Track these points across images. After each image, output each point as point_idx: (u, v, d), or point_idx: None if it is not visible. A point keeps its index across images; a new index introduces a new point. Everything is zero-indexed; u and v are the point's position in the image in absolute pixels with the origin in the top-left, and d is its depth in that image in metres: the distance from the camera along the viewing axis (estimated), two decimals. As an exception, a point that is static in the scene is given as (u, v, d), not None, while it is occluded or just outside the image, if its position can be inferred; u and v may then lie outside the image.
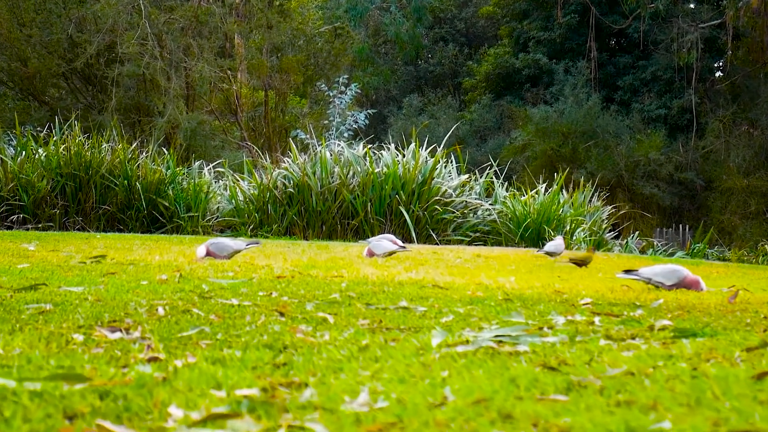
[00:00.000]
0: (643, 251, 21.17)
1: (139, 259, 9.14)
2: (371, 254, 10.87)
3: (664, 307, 6.12)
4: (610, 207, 20.77)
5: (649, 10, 43.67)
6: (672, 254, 20.88)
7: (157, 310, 5.04)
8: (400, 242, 11.72)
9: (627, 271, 7.71)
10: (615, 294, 6.92)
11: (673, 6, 44.20)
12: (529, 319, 5.16)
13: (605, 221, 20.06)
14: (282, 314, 5.04)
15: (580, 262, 10.64)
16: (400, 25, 48.34)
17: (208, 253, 9.35)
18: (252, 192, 18.76)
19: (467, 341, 4.26)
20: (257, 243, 10.31)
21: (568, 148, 41.11)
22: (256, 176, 18.88)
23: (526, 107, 44.90)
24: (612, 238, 20.45)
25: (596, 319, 5.22)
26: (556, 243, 12.37)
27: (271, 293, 6.04)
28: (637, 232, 24.73)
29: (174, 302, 5.39)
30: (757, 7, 43.79)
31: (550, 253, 12.16)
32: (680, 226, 34.01)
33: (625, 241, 20.83)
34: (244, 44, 34.09)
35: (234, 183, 19.17)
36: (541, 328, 4.79)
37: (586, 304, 6.10)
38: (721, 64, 47.11)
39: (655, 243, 23.58)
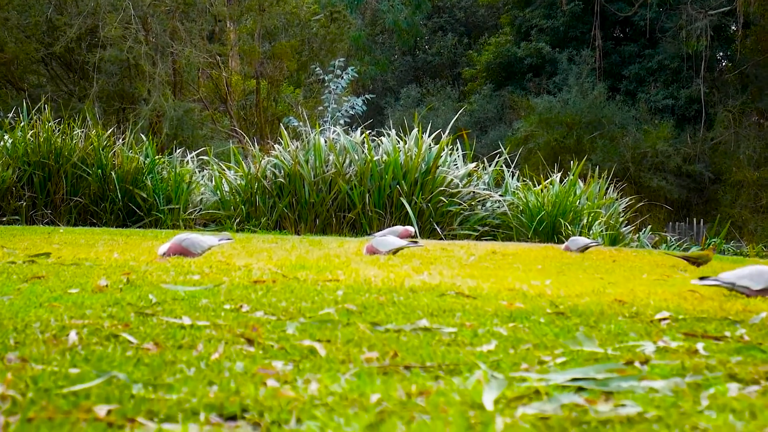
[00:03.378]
0: (655, 246, 19.72)
1: (90, 257, 7.54)
2: (372, 251, 9.30)
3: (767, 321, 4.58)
4: (627, 199, 19.21)
5: (656, -3, 42.32)
6: (687, 249, 19.44)
7: (68, 335, 3.47)
8: (413, 230, 10.46)
9: (703, 278, 6.18)
10: (691, 303, 5.36)
11: (681, -8, 42.84)
12: (605, 346, 3.62)
13: (622, 214, 18.52)
14: (250, 342, 3.48)
15: (697, 261, 9.49)
16: (399, 12, 46.82)
17: (179, 251, 7.79)
18: (239, 182, 17.18)
19: (537, 393, 2.71)
20: (229, 239, 8.79)
21: (572, 139, 39.65)
22: (244, 165, 17.27)
23: (528, 97, 43.44)
24: (629, 233, 18.90)
25: (699, 346, 3.68)
26: (580, 238, 11.64)
27: (240, 307, 4.46)
28: (649, 227, 23.16)
29: (99, 322, 3.82)
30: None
31: (581, 248, 11.05)
32: (693, 220, 32.51)
33: (637, 235, 19.35)
34: (235, 29, 32.53)
35: (219, 172, 17.56)
36: (630, 363, 3.26)
37: (665, 319, 4.56)
38: (729, 53, 45.61)
39: (668, 238, 22.11)
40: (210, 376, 2.82)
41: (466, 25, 55.85)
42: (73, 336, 3.44)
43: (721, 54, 46.14)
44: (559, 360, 3.31)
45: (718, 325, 4.44)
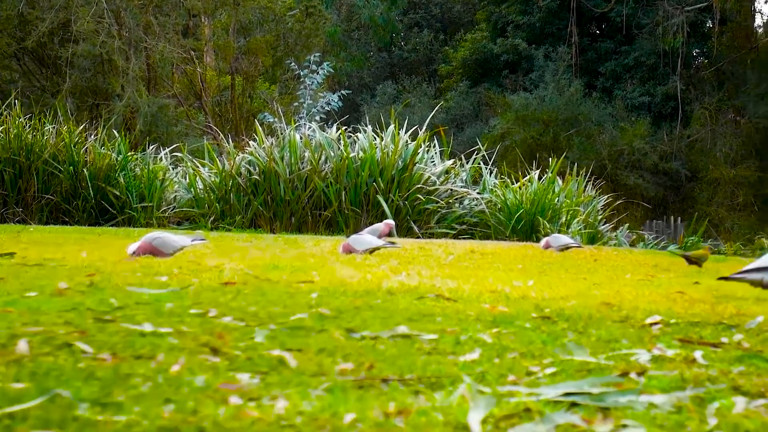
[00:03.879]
0: (633, 245, 19.53)
1: (56, 257, 7.26)
2: (348, 250, 9.04)
3: (766, 327, 4.34)
4: (605, 197, 18.99)
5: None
6: (664, 248, 19.26)
7: (17, 344, 3.19)
8: (393, 224, 10.31)
9: (725, 278, 5.99)
10: (681, 306, 5.12)
11: (658, -12, 42.72)
12: (596, 355, 3.38)
13: (600, 212, 18.31)
14: (215, 351, 3.21)
15: (696, 260, 9.36)
16: (374, 7, 46.53)
17: (149, 251, 7.52)
18: (213, 180, 16.87)
19: (528, 411, 2.47)
20: (203, 239, 8.51)
21: (549, 137, 39.45)
22: (218, 162, 16.96)
23: (504, 94, 43.18)
24: (607, 231, 18.68)
25: (697, 355, 3.44)
26: (561, 236, 11.63)
27: (207, 311, 4.19)
28: (627, 225, 22.96)
29: (53, 330, 3.55)
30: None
31: (562, 247, 10.94)
32: (671, 218, 32.36)
33: (615, 234, 19.15)
34: (210, 24, 32.18)
35: (193, 170, 17.24)
36: (626, 374, 3.03)
37: (657, 324, 4.32)
38: (705, 49, 45.51)
39: (645, 236, 21.93)
40: (167, 393, 2.56)
41: (442, 21, 55.59)
42: (22, 345, 3.17)
43: (697, 51, 46.04)
44: (549, 371, 3.07)
45: (714, 330, 4.21)
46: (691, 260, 9.38)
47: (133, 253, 7.49)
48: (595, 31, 47.96)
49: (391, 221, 11.60)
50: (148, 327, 3.66)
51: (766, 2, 47.75)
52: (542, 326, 4.12)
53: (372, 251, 9.07)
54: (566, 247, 10.99)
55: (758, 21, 48.21)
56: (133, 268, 6.32)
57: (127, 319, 3.89)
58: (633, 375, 3.01)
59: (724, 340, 3.88)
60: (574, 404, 2.58)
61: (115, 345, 3.29)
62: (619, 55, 44.35)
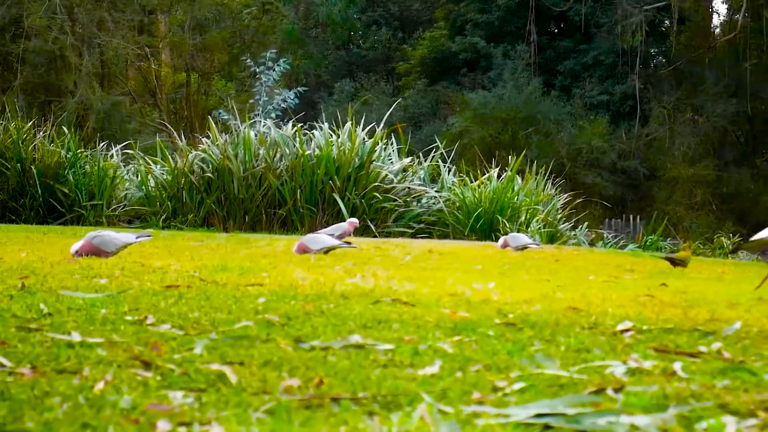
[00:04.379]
0: (592, 244, 19.34)
1: (-7, 258, 6.90)
2: (303, 250, 8.73)
3: (743, 333, 4.07)
4: (565, 195, 18.77)
5: (592, -8, 42.09)
6: (623, 246, 19.10)
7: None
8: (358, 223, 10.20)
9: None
10: (652, 311, 4.85)
11: (617, -13, 42.61)
12: (567, 366, 3.10)
13: (560, 211, 18.09)
14: (147, 365, 2.89)
15: (681, 262, 9.17)
16: (332, 5, 46.15)
17: (91, 250, 7.17)
18: (165, 177, 16.49)
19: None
20: (149, 236, 8.15)
21: (507, 135, 39.20)
22: (170, 160, 16.57)
23: (463, 92, 42.90)
24: (567, 230, 18.46)
25: (676, 367, 3.16)
26: (520, 235, 11.52)
27: (145, 318, 3.87)
28: (586, 224, 22.77)
29: (-31, 340, 3.21)
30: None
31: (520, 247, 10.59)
32: (630, 216, 32.24)
33: (574, 233, 18.94)
34: (165, 20, 31.71)
35: (145, 167, 16.84)
36: (602, 390, 2.74)
37: (629, 330, 4.04)
38: (663, 48, 45.52)
39: (604, 235, 21.74)
40: (86, 416, 2.24)
41: (401, 19, 55.29)
42: (-71, 359, 2.84)
43: (655, 50, 46.05)
44: (517, 386, 2.77)
45: (689, 337, 3.94)
46: (675, 262, 9.19)
47: (76, 252, 7.15)
48: (553, 29, 47.85)
49: (355, 220, 11.34)
50: (76, 337, 3.33)
51: (723, 2, 47.59)
52: (507, 334, 3.82)
53: (327, 251, 8.77)
54: (524, 247, 10.75)
55: (716, 21, 48.40)
56: (71, 269, 5.98)
57: (54, 327, 3.56)
58: (610, 391, 2.73)
59: (703, 349, 3.60)
60: (547, 427, 2.30)
61: (38, 357, 2.96)
62: (577, 53, 44.22)
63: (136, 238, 7.69)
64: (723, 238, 23.77)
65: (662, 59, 46.59)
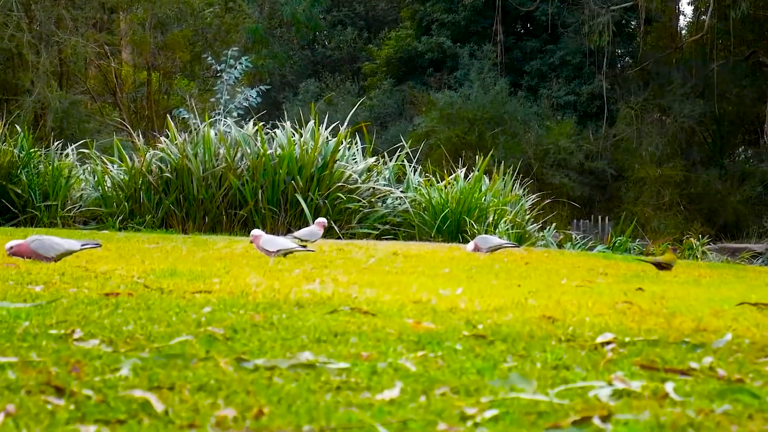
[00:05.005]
0: (560, 245, 19.04)
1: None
2: (265, 252, 8.34)
3: (735, 346, 3.70)
4: (533, 196, 18.43)
5: (559, -8, 41.84)
6: (592, 248, 18.81)
7: None
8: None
9: None
10: (632, 319, 4.48)
11: (584, -13, 42.37)
12: (545, 388, 2.72)
13: (528, 212, 17.75)
14: (60, 391, 2.48)
15: (667, 265, 8.94)
16: (297, 4, 45.65)
17: (29, 254, 6.76)
18: (122, 177, 16.01)
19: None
20: (96, 244, 7.69)
21: (474, 135, 38.85)
22: (127, 159, 16.09)
23: (429, 92, 42.55)
24: (535, 231, 18.12)
25: (668, 388, 2.78)
26: (491, 237, 11.07)
27: (72, 332, 3.45)
28: (554, 225, 22.50)
29: None
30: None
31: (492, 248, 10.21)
32: (598, 217, 32.01)
33: (542, 234, 18.62)
34: (126, 18, 31.17)
35: (101, 167, 16.35)
36: (587, 419, 2.37)
37: (610, 343, 3.66)
38: (630, 49, 45.33)
39: (572, 236, 21.43)
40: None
41: (366, 19, 54.91)
42: None
43: (622, 51, 45.86)
44: (489, 413, 2.40)
45: (677, 351, 3.57)
46: (661, 266, 8.95)
47: (11, 251, 6.73)
48: (520, 29, 47.53)
49: (323, 220, 10.92)
50: (-14, 355, 2.92)
51: (689, 3, 47.52)
52: (476, 348, 3.44)
53: (285, 254, 8.36)
54: (498, 248, 10.31)
55: (682, 22, 48.29)
56: (5, 276, 5.54)
57: (-35, 343, 3.15)
58: (596, 420, 2.35)
59: (694, 365, 3.24)
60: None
61: (-66, 382, 2.55)
62: (544, 54, 43.93)
63: (81, 245, 7.24)
64: (692, 239, 23.50)
65: (629, 60, 46.37)
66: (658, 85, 41.67)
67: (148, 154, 15.93)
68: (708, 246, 22.47)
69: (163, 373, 2.76)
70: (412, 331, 3.80)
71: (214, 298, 4.71)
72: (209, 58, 23.53)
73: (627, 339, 3.78)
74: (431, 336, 3.67)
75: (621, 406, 2.55)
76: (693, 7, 47.30)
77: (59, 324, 3.64)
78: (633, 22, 44.37)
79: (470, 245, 10.53)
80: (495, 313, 4.50)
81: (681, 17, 48.13)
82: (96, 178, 16.38)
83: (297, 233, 10.65)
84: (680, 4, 47.02)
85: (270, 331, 3.64)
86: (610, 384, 2.81)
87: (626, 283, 7.28)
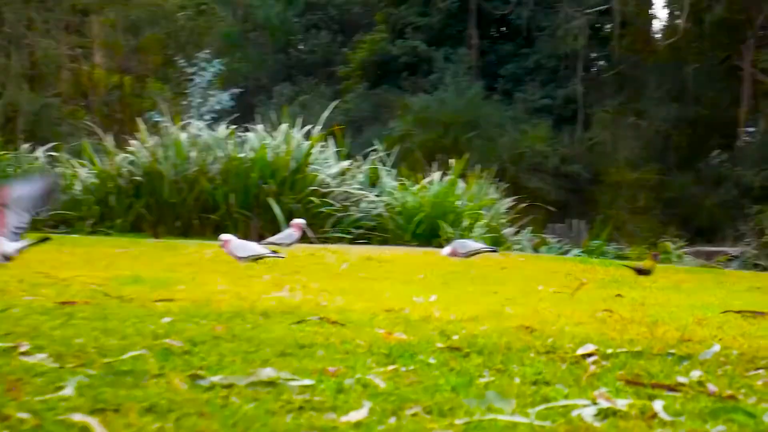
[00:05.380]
0: (536, 249, 18.85)
1: None
2: (234, 256, 8.11)
3: (723, 357, 3.50)
4: (509, 200, 18.25)
5: (533, -5, 41.70)
6: (567, 252, 18.67)
7: None
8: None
9: None
10: (614, 329, 4.28)
11: (559, -10, 42.25)
12: (525, 407, 2.51)
13: (504, 215, 17.57)
14: (-9, 416, 2.26)
15: (647, 271, 8.91)
16: (270, 7, 45.36)
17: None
18: (92, 180, 15.73)
19: None
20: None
21: (449, 139, 38.67)
22: (97, 162, 15.81)
23: (404, 96, 42.38)
24: (511, 235, 17.93)
25: (657, 406, 2.58)
26: (469, 241, 10.80)
27: (17, 346, 3.21)
28: (530, 229, 22.34)
29: None
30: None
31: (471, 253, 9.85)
32: (574, 221, 31.85)
33: (518, 237, 18.45)
34: (98, 20, 30.84)
35: (71, 169, 16.06)
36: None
37: (592, 355, 3.45)
38: (605, 52, 45.23)
39: (548, 240, 21.25)
40: None
41: (341, 22, 54.68)
42: None
43: (597, 54, 45.77)
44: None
45: (663, 363, 3.36)
46: (642, 271, 8.91)
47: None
48: (495, 33, 47.34)
49: (300, 220, 10.59)
50: None
51: (664, 7, 47.51)
52: (451, 362, 3.24)
53: (256, 259, 8.13)
54: (476, 253, 10.00)
55: (657, 25, 48.27)
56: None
57: None
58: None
59: (682, 379, 3.04)
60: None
61: None
62: (519, 57, 43.82)
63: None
64: (668, 242, 23.36)
65: (604, 63, 46.31)
66: (633, 88, 41.63)
67: (118, 157, 15.66)
68: (683, 249, 22.33)
69: (110, 392, 2.53)
70: (383, 342, 3.59)
71: (176, 306, 4.48)
72: (181, 60, 23.25)
73: (609, 350, 3.58)
74: (403, 348, 3.46)
75: (607, 428, 2.35)
76: (668, 11, 47.25)
77: (6, 336, 3.41)
78: (608, 26, 44.32)
79: (447, 249, 10.27)
80: (471, 323, 4.29)
81: (656, 21, 48.17)
82: (66, 182, 16.10)
83: (272, 238, 10.42)
84: (655, 8, 47.03)
85: (231, 344, 3.41)
86: (594, 402, 2.60)
87: (605, 290, 7.11)
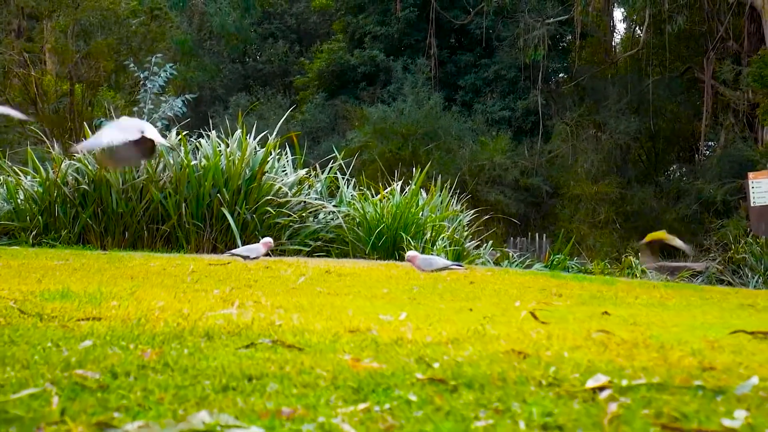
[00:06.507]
0: (497, 263, 18.30)
1: None
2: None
3: (763, 392, 2.87)
4: (471, 212, 17.64)
5: (493, 5, 41.15)
6: (530, 266, 18.12)
7: None
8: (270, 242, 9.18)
9: None
10: (619, 354, 3.62)
11: (518, 0, 41.77)
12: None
13: (466, 228, 16.97)
14: None
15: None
16: (226, 15, 44.61)
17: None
18: (36, 189, 14.95)
19: None
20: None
21: (407, 151, 38.06)
22: (42, 170, 15.02)
23: (362, 107, 41.76)
24: (473, 248, 17.31)
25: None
26: (435, 258, 9.86)
27: None
28: (491, 242, 21.80)
29: None
30: (603, 6, 42.06)
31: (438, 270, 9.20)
32: (535, 235, 31.35)
33: (479, 251, 17.86)
34: (47, 25, 30.01)
35: (14, 178, 15.27)
36: None
37: (605, 389, 2.81)
38: (565, 64, 44.89)
39: (510, 253, 20.69)
40: None
41: (298, 32, 54.03)
42: None
43: (557, 66, 45.37)
44: None
45: (695, 400, 2.73)
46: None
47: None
48: (454, 43, 46.80)
49: (269, 240, 9.97)
50: None
51: (624, 19, 47.31)
52: (436, 398, 2.58)
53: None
54: (443, 269, 9.27)
55: (617, 37, 48.04)
56: None
57: None
58: None
59: (728, 423, 2.41)
60: None
61: None
62: (478, 68, 43.31)
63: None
64: (631, 257, 22.89)
65: (564, 75, 45.98)
66: (594, 100, 41.31)
67: (63, 164, 14.90)
68: (646, 264, 21.91)
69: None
70: (350, 372, 2.92)
71: (102, 326, 3.78)
72: (132, 65, 22.45)
73: (624, 382, 2.94)
74: (375, 380, 2.80)
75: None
76: (628, 22, 47.04)
77: None
78: (568, 37, 44.04)
79: (411, 262, 9.63)
80: (451, 346, 3.63)
81: (616, 33, 47.93)
82: (7, 191, 15.31)
83: (237, 250, 9.84)
84: (615, 19, 46.78)
85: (162, 375, 2.74)
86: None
87: (587, 306, 6.50)
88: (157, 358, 3.02)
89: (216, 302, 5.19)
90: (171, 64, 22.20)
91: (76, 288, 5.56)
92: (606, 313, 5.70)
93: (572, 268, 19.65)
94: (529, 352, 3.51)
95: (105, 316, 4.16)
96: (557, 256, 19.24)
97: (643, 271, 20.42)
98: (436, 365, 3.11)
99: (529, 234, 32.45)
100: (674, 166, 44.74)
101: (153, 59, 21.53)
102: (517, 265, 18.09)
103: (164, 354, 3.12)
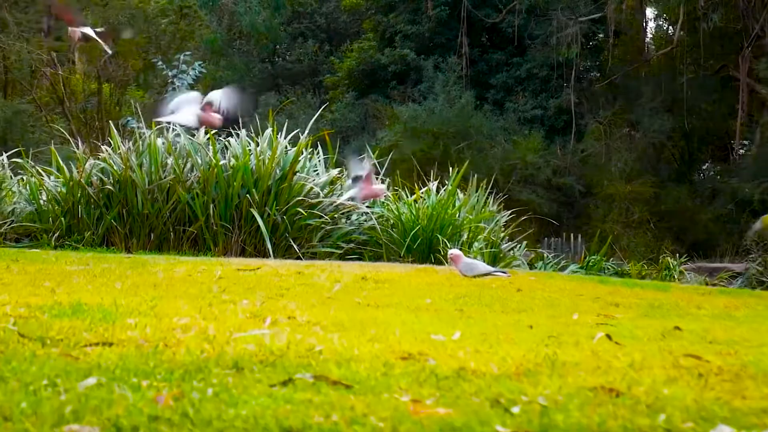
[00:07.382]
0: (531, 264, 17.78)
1: None
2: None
3: None
4: (508, 212, 17.09)
5: (525, 3, 40.63)
6: (564, 267, 17.60)
7: None
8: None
9: None
10: (722, 388, 3.04)
11: (550, -2, 41.27)
12: None
13: (503, 229, 16.43)
14: None
15: None
16: (256, 14, 44.28)
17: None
18: (59, 189, 14.48)
19: None
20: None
21: (439, 150, 37.57)
22: (66, 170, 14.55)
23: (393, 106, 41.35)
24: (509, 250, 16.75)
25: None
26: (477, 262, 9.52)
27: None
28: (524, 243, 21.25)
29: None
30: (636, 3, 41.53)
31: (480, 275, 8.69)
32: (569, 235, 30.78)
33: (515, 253, 17.32)
34: (75, 24, 29.70)
35: (36, 178, 14.81)
36: None
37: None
38: (598, 63, 44.29)
39: (544, 255, 20.14)
40: None
41: (328, 31, 53.66)
42: None
43: (589, 64, 44.81)
44: None
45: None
46: None
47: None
48: (486, 41, 46.25)
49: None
50: None
51: (657, 16, 46.67)
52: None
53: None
54: (485, 275, 8.72)
55: (650, 35, 47.36)
56: None
57: None
58: None
59: None
60: None
61: None
62: (510, 66, 42.77)
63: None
64: (669, 257, 22.30)
65: (596, 74, 45.33)
66: (627, 99, 40.72)
67: (87, 164, 14.42)
68: (685, 266, 21.38)
69: None
70: (412, 421, 2.35)
71: (114, 354, 3.20)
72: (160, 63, 22.00)
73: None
74: (444, 433, 2.23)
75: None
76: (661, 20, 46.37)
77: None
78: (600, 35, 43.43)
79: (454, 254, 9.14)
80: (524, 379, 3.05)
81: (649, 30, 47.28)
82: (30, 191, 14.86)
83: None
84: (649, 17, 46.16)
85: (171, 429, 2.17)
86: None
87: (649, 318, 5.92)
88: (174, 404, 2.45)
89: (245, 318, 4.64)
90: (200, 62, 21.75)
91: (91, 300, 5.00)
92: (678, 328, 5.12)
93: (608, 269, 19.13)
94: (620, 389, 2.92)
95: (117, 340, 3.59)
96: (593, 257, 18.76)
97: (681, 272, 19.90)
98: (515, 410, 2.54)
99: (563, 234, 31.91)
100: (707, 165, 44.14)
101: (182, 57, 21.11)
102: (551, 266, 17.65)
103: (183, 395, 2.55)
